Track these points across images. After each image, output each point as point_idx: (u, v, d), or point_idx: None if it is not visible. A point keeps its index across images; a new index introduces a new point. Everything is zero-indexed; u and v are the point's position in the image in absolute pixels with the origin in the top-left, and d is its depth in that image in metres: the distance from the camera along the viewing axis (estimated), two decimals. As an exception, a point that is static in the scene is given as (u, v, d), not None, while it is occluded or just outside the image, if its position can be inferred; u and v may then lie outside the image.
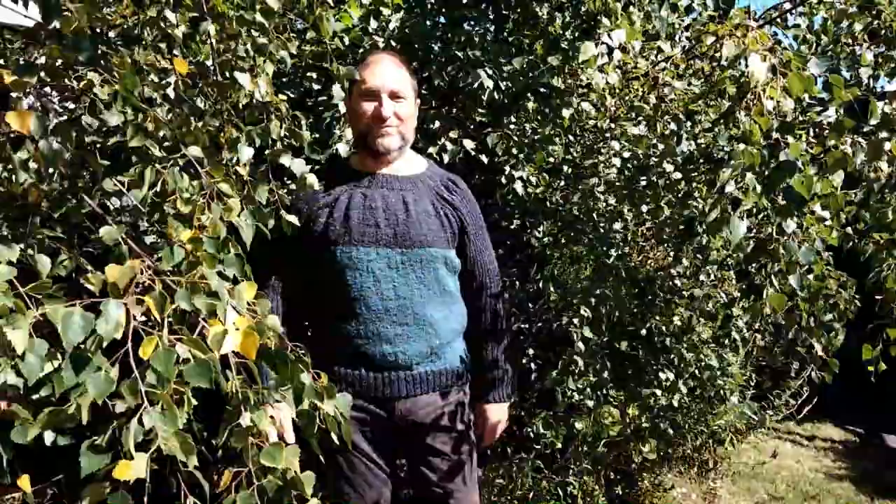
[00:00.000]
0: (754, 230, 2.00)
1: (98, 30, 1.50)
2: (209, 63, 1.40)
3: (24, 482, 1.00)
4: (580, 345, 2.51)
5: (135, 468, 0.90)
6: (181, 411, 0.95)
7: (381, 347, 1.83)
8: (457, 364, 1.96)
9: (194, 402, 0.99)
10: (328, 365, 1.78)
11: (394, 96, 1.82)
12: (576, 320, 2.51)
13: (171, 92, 1.31)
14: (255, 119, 1.44)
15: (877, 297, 2.01)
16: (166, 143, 1.23)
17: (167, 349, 0.96)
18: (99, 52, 1.22)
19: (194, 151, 1.25)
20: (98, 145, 1.34)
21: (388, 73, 1.82)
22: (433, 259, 1.87)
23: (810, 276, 1.95)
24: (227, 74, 1.37)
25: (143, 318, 1.01)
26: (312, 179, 1.55)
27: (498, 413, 2.06)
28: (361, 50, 2.29)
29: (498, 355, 2.05)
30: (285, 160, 1.46)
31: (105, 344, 0.95)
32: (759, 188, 1.64)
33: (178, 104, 1.28)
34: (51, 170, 1.13)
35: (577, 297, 2.51)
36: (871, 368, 2.27)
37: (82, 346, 0.94)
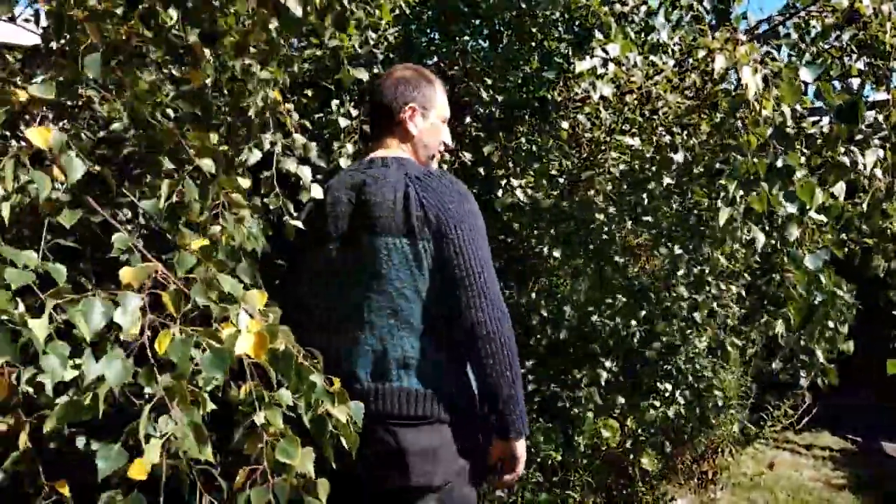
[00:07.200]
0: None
1: (106, 47, 1.53)
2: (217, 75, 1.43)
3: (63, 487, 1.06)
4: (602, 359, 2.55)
5: (147, 460, 0.92)
6: (197, 412, 0.97)
7: None
8: None
9: (211, 405, 1.01)
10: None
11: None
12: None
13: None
14: (261, 128, 1.46)
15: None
16: (180, 156, 1.26)
17: (183, 339, 0.98)
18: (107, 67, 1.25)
19: (207, 164, 1.27)
20: (107, 158, 1.36)
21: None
22: None
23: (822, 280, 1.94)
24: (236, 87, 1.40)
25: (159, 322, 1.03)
26: (317, 190, 1.57)
27: None
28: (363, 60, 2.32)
29: None
30: (291, 166, 1.48)
31: (122, 336, 0.98)
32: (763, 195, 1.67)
33: (195, 116, 1.30)
34: (70, 182, 1.15)
35: (586, 309, 2.54)
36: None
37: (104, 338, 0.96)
